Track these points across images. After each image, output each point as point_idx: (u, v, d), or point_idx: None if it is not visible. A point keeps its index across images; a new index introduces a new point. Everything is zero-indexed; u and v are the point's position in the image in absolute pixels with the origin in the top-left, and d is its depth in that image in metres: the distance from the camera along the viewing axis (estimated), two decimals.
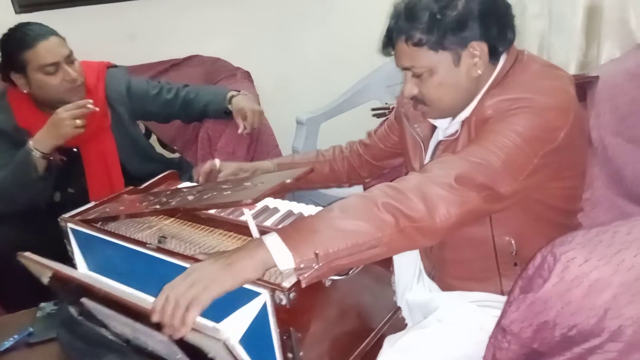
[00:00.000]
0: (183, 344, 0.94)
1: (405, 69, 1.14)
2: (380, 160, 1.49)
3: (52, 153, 1.65)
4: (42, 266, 1.12)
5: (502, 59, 1.13)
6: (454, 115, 1.17)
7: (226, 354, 0.85)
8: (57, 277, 1.11)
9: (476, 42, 1.08)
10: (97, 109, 1.68)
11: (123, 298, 0.97)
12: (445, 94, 1.13)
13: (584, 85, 1.61)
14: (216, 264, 0.88)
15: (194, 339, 0.87)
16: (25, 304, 1.50)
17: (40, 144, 1.63)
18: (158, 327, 0.88)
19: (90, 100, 1.67)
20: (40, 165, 1.64)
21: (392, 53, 1.16)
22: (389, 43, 1.15)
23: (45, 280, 1.16)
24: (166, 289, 0.87)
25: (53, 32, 1.69)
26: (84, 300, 1.10)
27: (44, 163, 1.65)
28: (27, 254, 1.15)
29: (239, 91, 1.96)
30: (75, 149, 1.81)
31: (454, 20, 1.06)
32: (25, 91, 1.71)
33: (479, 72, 1.11)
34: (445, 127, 1.21)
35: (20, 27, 1.68)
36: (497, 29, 1.09)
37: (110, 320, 1.12)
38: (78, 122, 1.63)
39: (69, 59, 1.70)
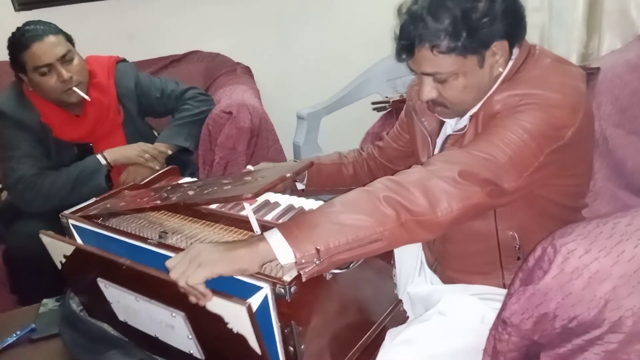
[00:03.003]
0: (197, 319, 0.95)
1: (426, 74, 1.10)
2: (396, 161, 1.46)
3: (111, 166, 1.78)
4: (64, 242, 1.14)
5: (515, 54, 1.11)
6: None
7: (247, 321, 0.86)
8: (78, 253, 1.12)
9: (498, 41, 1.06)
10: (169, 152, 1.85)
11: (146, 269, 0.97)
12: (468, 95, 1.10)
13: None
14: (215, 247, 0.90)
15: (216, 306, 0.88)
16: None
17: (110, 155, 1.76)
18: (175, 302, 0.89)
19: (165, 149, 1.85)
20: (105, 173, 1.75)
21: (406, 59, 1.11)
22: (405, 50, 1.08)
23: (61, 260, 1.16)
24: (168, 266, 0.90)
25: (51, 32, 1.69)
26: (100, 280, 1.10)
27: (105, 172, 1.75)
28: (48, 232, 1.16)
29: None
30: (91, 144, 1.85)
31: (481, 23, 1.03)
32: (30, 89, 1.73)
33: (500, 69, 1.09)
34: (454, 122, 1.20)
35: (22, 26, 1.70)
36: (516, 25, 1.08)
37: (119, 305, 1.12)
38: (147, 155, 1.78)
39: (65, 59, 1.70)
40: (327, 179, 1.43)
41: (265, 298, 0.89)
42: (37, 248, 1.30)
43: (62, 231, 1.25)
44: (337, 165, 1.46)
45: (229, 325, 0.90)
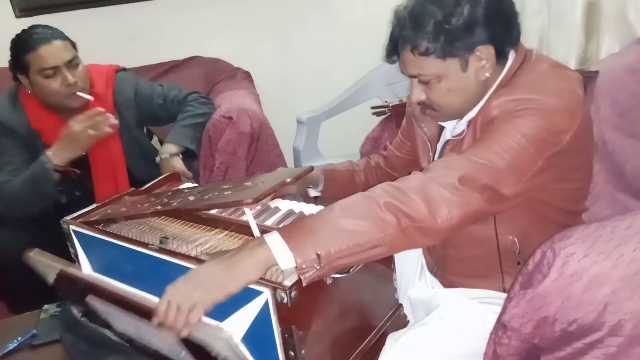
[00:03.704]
0: (187, 343, 0.94)
1: (411, 76, 1.13)
2: (400, 170, 1.46)
3: (66, 166, 1.68)
4: (48, 265, 1.14)
5: (511, 59, 1.12)
6: (462, 117, 1.17)
7: (230, 351, 0.86)
8: (63, 276, 1.12)
9: (483, 45, 1.06)
10: (111, 116, 1.70)
11: (127, 296, 0.98)
12: (454, 98, 1.12)
13: (583, 81, 1.61)
14: (218, 267, 0.88)
15: (198, 337, 0.88)
16: (32, 306, 1.50)
17: (56, 157, 1.66)
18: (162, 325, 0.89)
19: (101, 109, 1.69)
20: (54, 177, 1.67)
21: (396, 60, 1.14)
22: (393, 52, 1.13)
23: (50, 279, 1.17)
24: (168, 292, 0.88)
25: (59, 36, 1.70)
26: (89, 298, 1.10)
27: (57, 175, 1.68)
28: (34, 252, 1.17)
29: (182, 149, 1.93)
30: (84, 153, 1.82)
31: (460, 27, 1.04)
32: (29, 92, 1.73)
33: (487, 74, 1.09)
34: (453, 127, 1.20)
35: (29, 29, 1.71)
36: (503, 30, 1.08)
37: (113, 319, 1.13)
38: (91, 131, 1.66)
39: (71, 64, 1.71)
40: (341, 185, 1.44)
41: (266, 303, 0.89)
42: (19, 255, 1.30)
43: (54, 236, 1.25)
44: (350, 172, 1.47)
45: (214, 353, 0.91)
